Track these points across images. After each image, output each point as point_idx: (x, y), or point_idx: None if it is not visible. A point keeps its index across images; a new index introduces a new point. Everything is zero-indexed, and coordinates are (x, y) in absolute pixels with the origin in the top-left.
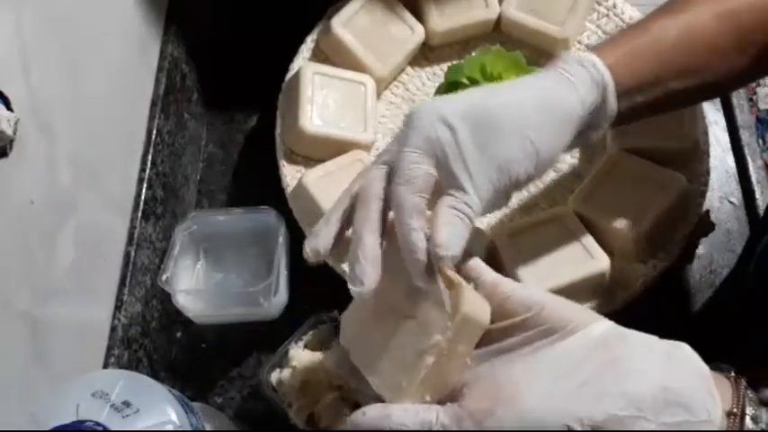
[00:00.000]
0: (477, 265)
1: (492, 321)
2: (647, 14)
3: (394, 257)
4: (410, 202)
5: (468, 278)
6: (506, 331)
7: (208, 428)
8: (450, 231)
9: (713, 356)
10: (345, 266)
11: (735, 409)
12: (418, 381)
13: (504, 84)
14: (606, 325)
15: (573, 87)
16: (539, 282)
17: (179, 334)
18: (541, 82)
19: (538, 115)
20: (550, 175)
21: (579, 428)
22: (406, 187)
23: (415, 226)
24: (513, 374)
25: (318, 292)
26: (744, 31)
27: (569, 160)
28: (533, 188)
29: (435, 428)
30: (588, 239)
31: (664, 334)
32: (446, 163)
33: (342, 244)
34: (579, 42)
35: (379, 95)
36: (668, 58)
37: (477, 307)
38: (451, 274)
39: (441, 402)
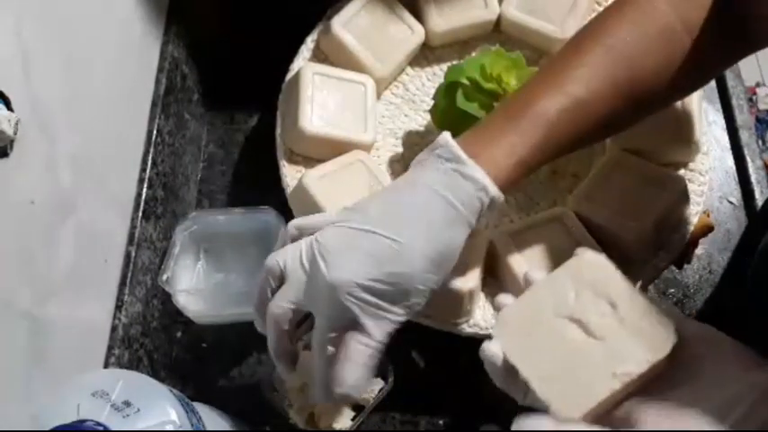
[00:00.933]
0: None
1: None
2: (532, 78)
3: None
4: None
5: None
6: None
7: (208, 428)
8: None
9: None
10: None
11: None
12: (597, 402)
13: (403, 236)
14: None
15: (464, 222)
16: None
17: (179, 334)
18: (437, 228)
19: (436, 271)
20: (550, 176)
21: None
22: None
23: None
24: (684, 413)
25: None
26: (640, 80)
27: (569, 160)
28: (533, 188)
29: None
30: (588, 239)
31: None
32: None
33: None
34: None
35: (379, 95)
36: (560, 146)
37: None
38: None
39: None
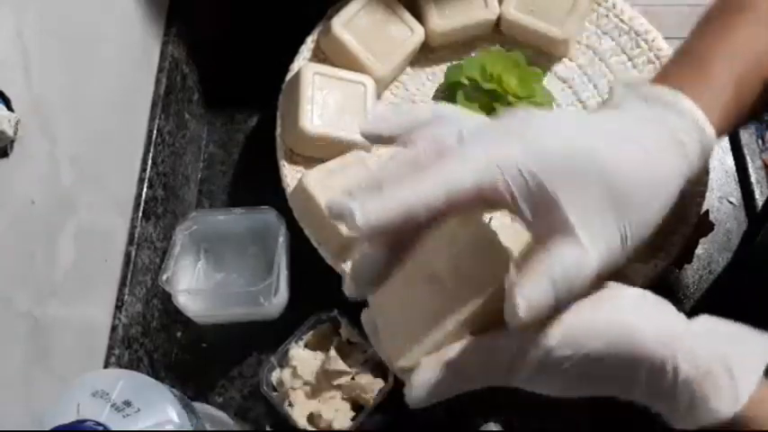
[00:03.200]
0: None
1: None
2: (708, 35)
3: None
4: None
5: None
6: None
7: (208, 428)
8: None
9: None
10: (345, 266)
11: None
12: (426, 350)
13: (622, 138)
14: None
15: (688, 164)
16: None
17: (179, 334)
18: (657, 152)
19: (656, 192)
20: None
21: None
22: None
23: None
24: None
25: (318, 292)
26: None
27: None
28: None
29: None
30: None
31: None
32: (558, 202)
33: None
34: (579, 43)
35: (379, 95)
36: (747, 105)
37: None
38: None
39: None
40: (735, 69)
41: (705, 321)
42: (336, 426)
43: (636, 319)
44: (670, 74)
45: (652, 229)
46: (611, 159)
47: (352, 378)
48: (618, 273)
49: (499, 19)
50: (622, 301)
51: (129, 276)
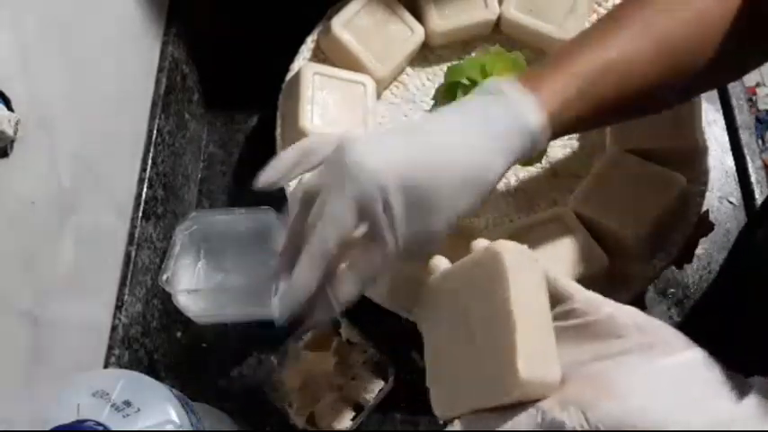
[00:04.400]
0: (571, 286)
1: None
2: (577, 39)
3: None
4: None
5: (561, 299)
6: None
7: (208, 428)
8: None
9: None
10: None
11: None
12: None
13: (437, 145)
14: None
15: (502, 152)
16: None
17: (179, 334)
18: (471, 153)
19: (467, 191)
20: (550, 176)
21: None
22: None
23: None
24: (613, 377)
25: None
26: (679, 57)
27: (569, 160)
28: (533, 188)
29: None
30: (588, 239)
31: None
32: (375, 222)
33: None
34: None
35: (379, 95)
36: (605, 101)
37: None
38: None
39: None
40: (585, 67)
41: (752, 405)
42: (336, 426)
43: (682, 409)
44: (529, 70)
45: (470, 210)
46: (414, 171)
47: (353, 378)
48: (618, 273)
49: (499, 19)
50: (673, 376)
51: (129, 276)
